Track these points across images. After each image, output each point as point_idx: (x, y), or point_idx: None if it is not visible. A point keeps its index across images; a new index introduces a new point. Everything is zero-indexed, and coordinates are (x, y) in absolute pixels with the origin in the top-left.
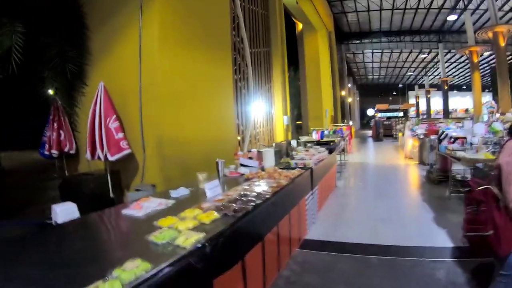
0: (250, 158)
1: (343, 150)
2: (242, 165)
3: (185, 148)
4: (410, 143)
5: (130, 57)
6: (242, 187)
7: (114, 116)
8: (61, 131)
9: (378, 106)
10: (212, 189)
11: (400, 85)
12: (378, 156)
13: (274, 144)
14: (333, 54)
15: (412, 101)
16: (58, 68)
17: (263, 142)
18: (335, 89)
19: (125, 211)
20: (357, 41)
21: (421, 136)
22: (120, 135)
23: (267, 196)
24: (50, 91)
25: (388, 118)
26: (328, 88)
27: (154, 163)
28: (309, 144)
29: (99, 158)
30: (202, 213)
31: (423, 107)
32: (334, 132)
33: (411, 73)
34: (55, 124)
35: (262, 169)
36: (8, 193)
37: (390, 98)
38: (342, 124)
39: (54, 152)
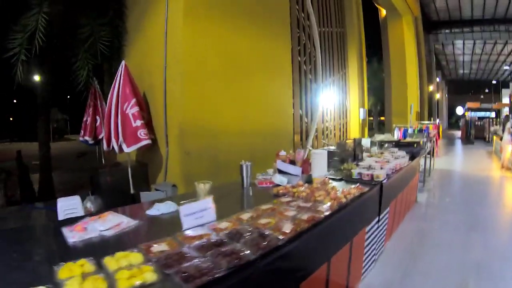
0: (292, 162)
1: (429, 153)
2: (280, 171)
3: (217, 141)
4: (510, 150)
5: (159, 33)
6: (250, 214)
7: (134, 101)
8: (97, 117)
9: (469, 104)
10: (192, 215)
11: (493, 82)
12: (469, 164)
13: (329, 144)
14: (420, 43)
15: (506, 100)
16: (92, 49)
17: (332, 139)
18: (422, 83)
19: (65, 230)
20: (447, 31)
21: None
22: (138, 122)
23: (277, 244)
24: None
25: (480, 118)
26: (414, 81)
27: (176, 158)
28: (386, 145)
29: (114, 148)
30: (133, 267)
31: None
32: (420, 131)
33: (507, 68)
34: (91, 109)
35: (309, 179)
36: (55, 177)
37: (482, 96)
38: (428, 122)
39: (88, 138)
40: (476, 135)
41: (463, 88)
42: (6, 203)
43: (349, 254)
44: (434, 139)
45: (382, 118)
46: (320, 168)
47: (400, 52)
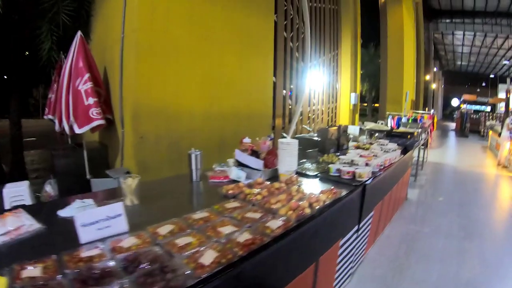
0: (255, 152)
1: (423, 145)
2: (239, 163)
3: (178, 124)
4: (507, 148)
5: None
6: (171, 227)
7: (87, 76)
8: None
9: (466, 96)
10: (94, 224)
11: (491, 76)
12: (463, 159)
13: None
14: (419, 30)
15: (502, 95)
16: (56, 20)
17: (318, 124)
18: (419, 71)
19: None
20: (447, 20)
21: None
22: (91, 100)
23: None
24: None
25: (476, 111)
26: (411, 69)
27: (130, 142)
28: (376, 134)
29: (65, 130)
30: None
31: None
32: (414, 120)
33: (506, 62)
34: (55, 85)
35: (273, 175)
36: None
37: (478, 90)
38: (423, 112)
39: (52, 117)
40: (471, 128)
41: (460, 80)
42: None
43: (313, 276)
44: (429, 130)
45: (376, 105)
46: (288, 161)
47: (399, 38)
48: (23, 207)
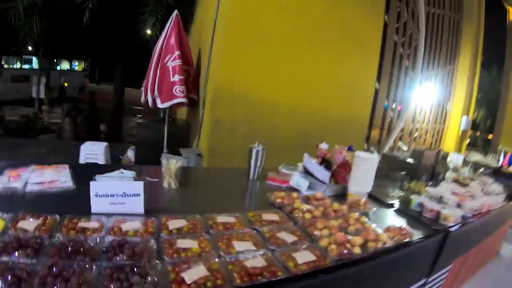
0: (326, 161)
1: None
2: (306, 170)
3: (258, 116)
4: None
5: None
6: (184, 223)
7: (177, 53)
8: None
9: None
10: (108, 197)
11: None
12: None
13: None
14: None
15: None
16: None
17: (420, 145)
18: None
19: (5, 172)
20: None
21: None
22: (176, 78)
23: None
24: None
25: None
26: None
27: (207, 125)
28: (481, 170)
29: (148, 103)
30: None
31: None
32: None
33: None
34: None
35: (339, 192)
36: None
37: None
38: None
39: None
40: None
41: None
42: (74, 137)
43: None
44: None
45: (490, 136)
46: (361, 180)
47: None
48: (96, 165)
